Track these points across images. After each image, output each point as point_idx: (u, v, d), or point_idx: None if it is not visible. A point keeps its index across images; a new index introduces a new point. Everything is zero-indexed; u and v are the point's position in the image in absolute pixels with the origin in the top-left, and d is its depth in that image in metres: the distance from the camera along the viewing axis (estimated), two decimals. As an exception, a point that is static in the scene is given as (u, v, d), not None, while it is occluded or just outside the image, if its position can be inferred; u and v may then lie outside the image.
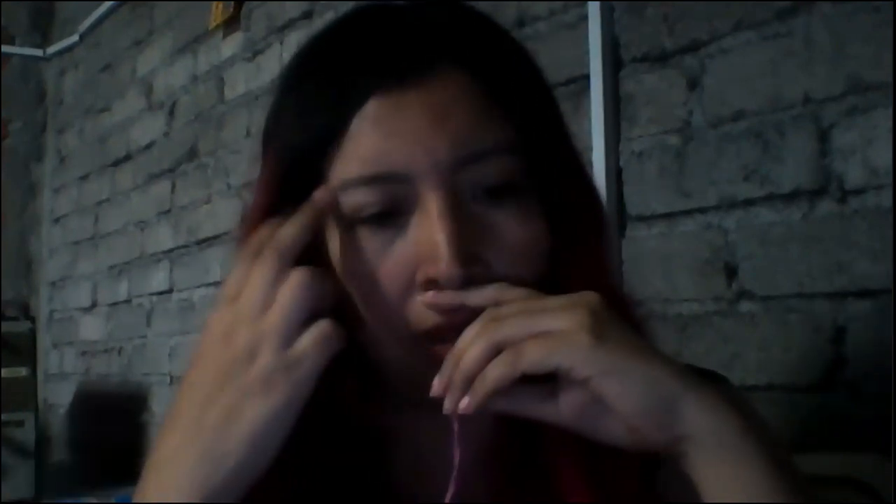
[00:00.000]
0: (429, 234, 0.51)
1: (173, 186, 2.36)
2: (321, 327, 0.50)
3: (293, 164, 0.55)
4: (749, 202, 1.03)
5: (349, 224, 0.53)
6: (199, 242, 2.20)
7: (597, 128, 1.17)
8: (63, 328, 2.99)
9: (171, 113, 2.41)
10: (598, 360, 0.48)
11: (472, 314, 0.51)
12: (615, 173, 1.17)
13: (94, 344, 2.75)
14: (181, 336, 2.25)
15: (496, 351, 0.49)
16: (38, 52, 3.15)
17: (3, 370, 2.24)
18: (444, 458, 0.52)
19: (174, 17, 2.41)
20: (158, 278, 2.39)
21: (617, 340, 0.48)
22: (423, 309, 0.52)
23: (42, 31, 3.21)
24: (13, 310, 2.67)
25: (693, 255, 1.08)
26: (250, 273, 0.51)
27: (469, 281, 0.51)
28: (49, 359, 3.00)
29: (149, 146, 2.51)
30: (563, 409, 0.50)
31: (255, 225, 0.54)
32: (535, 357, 0.48)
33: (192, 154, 2.27)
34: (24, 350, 2.31)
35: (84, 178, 2.91)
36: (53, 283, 3.07)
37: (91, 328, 2.79)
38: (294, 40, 1.90)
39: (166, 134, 2.42)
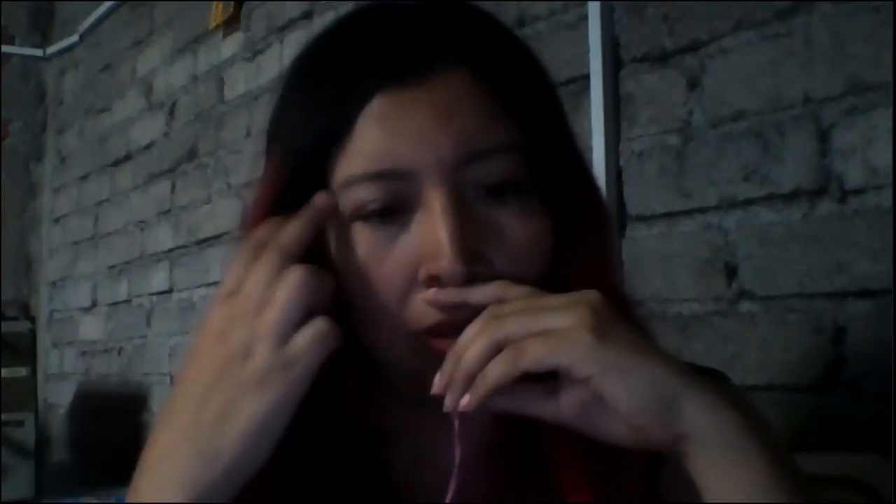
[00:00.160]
0: (432, 230, 0.51)
1: (173, 186, 2.36)
2: (317, 325, 0.50)
3: (297, 163, 0.55)
4: (749, 202, 1.03)
5: (351, 221, 0.53)
6: (199, 242, 2.20)
7: (597, 128, 1.17)
8: (63, 328, 2.98)
9: (171, 113, 2.41)
10: (600, 359, 0.47)
11: (473, 312, 0.51)
12: (615, 173, 1.17)
13: (94, 344, 2.75)
14: (181, 336, 2.25)
15: (497, 349, 0.49)
16: (38, 52, 3.15)
17: (3, 370, 2.24)
18: (444, 456, 0.52)
19: (174, 17, 2.41)
20: (158, 278, 2.39)
21: (618, 339, 0.48)
22: (424, 306, 0.52)
23: (42, 31, 3.20)
24: (13, 310, 2.67)
25: (693, 255, 1.08)
26: (250, 271, 0.51)
27: (471, 278, 0.51)
28: (49, 359, 2.99)
29: (149, 146, 2.51)
30: (564, 407, 0.50)
31: (258, 222, 0.54)
32: (536, 355, 0.48)
33: (192, 154, 2.27)
34: (24, 350, 2.31)
35: (84, 178, 2.91)
36: (53, 283, 3.07)
37: (91, 328, 2.79)
38: (294, 40, 1.90)
39: (166, 134, 2.42)
